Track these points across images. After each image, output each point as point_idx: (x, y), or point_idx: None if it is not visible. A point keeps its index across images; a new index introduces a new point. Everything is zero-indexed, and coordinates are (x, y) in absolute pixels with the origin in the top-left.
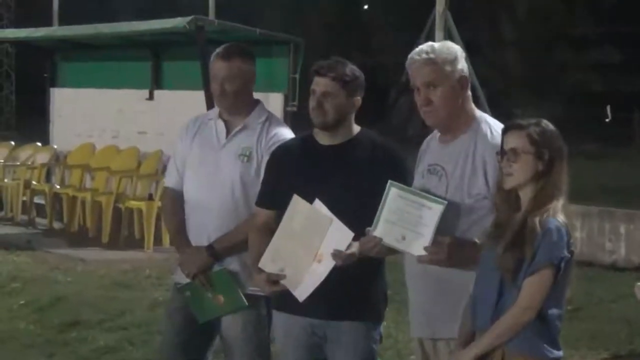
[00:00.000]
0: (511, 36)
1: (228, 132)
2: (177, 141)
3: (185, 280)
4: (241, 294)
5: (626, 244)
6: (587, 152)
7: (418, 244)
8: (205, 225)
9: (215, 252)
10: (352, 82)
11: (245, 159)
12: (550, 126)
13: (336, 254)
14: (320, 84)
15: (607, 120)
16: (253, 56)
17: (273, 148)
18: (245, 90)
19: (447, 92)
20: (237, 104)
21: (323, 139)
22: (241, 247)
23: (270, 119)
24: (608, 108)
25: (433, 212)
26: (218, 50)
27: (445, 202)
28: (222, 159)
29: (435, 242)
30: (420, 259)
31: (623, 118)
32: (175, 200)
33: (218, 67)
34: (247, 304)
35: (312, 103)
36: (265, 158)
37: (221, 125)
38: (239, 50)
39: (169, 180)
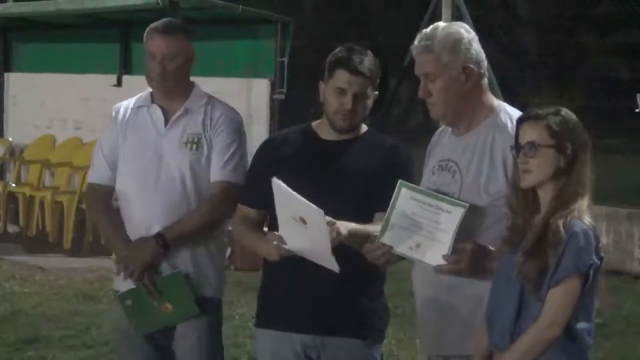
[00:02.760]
0: (527, 15)
1: (167, 119)
2: (104, 132)
3: (128, 287)
4: (193, 301)
5: None
6: (612, 146)
7: (435, 253)
8: (150, 226)
9: (165, 241)
10: (377, 76)
11: (194, 146)
12: (571, 115)
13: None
14: (353, 83)
15: (637, 110)
16: (192, 34)
17: (221, 129)
18: (187, 70)
19: (447, 84)
20: (177, 86)
21: (326, 133)
22: (195, 236)
23: (211, 101)
24: (638, 97)
25: (452, 216)
26: (154, 25)
27: (467, 205)
28: (165, 149)
29: (455, 250)
30: (438, 269)
31: None
32: (105, 198)
33: (157, 43)
34: (198, 310)
35: (344, 104)
36: (217, 143)
37: (157, 111)
38: (180, 25)
39: (95, 175)
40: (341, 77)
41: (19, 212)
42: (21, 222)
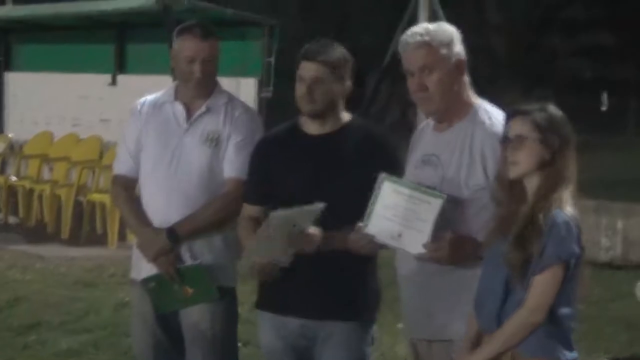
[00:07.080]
0: (497, 19)
1: (189, 115)
2: (127, 125)
3: (142, 276)
4: (214, 287)
5: (623, 241)
6: (579, 143)
7: (416, 241)
8: (167, 218)
9: (177, 235)
10: (342, 66)
11: (213, 143)
12: (557, 111)
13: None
14: (309, 69)
15: (603, 108)
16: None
17: (239, 128)
18: (216, 71)
19: (444, 77)
20: (208, 87)
21: (310, 127)
22: (205, 231)
23: (232, 100)
24: (604, 95)
25: (432, 206)
26: (191, 27)
27: (445, 196)
28: (186, 145)
29: (434, 238)
30: (419, 257)
31: (617, 106)
32: (129, 189)
33: (199, 47)
34: (218, 295)
35: (300, 90)
36: (232, 139)
37: (180, 108)
38: (212, 30)
39: (120, 166)
40: (301, 66)
41: (19, 204)
42: (21, 214)
